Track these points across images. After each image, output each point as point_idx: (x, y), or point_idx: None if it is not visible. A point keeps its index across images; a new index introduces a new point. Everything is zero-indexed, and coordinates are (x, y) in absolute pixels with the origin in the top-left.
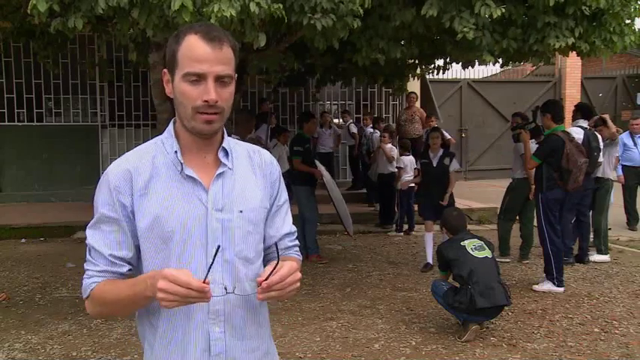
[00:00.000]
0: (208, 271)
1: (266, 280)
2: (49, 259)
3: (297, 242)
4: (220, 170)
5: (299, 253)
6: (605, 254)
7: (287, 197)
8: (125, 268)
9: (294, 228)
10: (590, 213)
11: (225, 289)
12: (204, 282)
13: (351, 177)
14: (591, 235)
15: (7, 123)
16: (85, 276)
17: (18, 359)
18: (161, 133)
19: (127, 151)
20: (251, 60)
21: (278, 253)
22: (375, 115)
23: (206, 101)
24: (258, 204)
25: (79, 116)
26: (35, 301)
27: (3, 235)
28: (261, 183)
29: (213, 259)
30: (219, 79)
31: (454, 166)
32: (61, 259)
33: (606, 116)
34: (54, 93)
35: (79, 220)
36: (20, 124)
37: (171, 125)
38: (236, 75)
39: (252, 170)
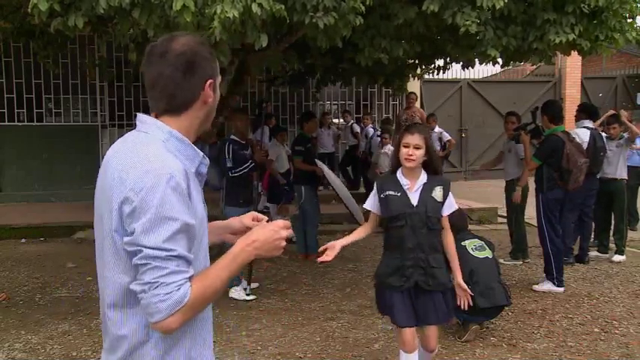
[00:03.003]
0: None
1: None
2: (49, 259)
3: None
4: None
5: None
6: (623, 254)
7: None
8: None
9: None
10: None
11: None
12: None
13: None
14: (592, 236)
15: (7, 123)
16: (170, 289)
17: (18, 359)
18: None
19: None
20: (252, 60)
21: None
22: (370, 116)
23: None
24: None
25: (79, 116)
26: (35, 301)
27: (3, 235)
28: None
29: None
30: None
31: (450, 205)
32: (61, 259)
33: (622, 112)
34: (54, 93)
35: (79, 220)
36: (20, 124)
37: (175, 133)
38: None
39: None
